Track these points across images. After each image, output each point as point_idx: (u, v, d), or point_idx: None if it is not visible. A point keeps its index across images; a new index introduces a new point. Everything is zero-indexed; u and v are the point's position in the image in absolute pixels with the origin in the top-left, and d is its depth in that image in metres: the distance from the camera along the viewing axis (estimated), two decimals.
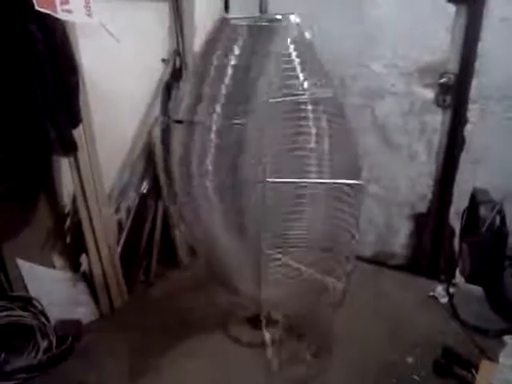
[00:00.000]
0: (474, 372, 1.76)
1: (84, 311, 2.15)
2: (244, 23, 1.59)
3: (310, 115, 1.74)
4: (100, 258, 2.17)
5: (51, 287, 2.05)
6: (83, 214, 2.09)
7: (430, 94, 2.37)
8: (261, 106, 1.61)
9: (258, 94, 1.61)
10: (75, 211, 2.11)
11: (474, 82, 2.24)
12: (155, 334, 2.11)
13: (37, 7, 1.47)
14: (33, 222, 1.97)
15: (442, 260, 2.57)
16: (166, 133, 2.32)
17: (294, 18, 1.61)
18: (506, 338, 2.01)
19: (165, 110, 2.51)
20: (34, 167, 1.84)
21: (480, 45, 2.17)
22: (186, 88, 1.81)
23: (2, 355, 1.81)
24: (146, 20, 2.34)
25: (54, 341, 1.93)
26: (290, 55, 1.63)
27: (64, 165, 2.03)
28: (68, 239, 2.16)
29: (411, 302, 2.39)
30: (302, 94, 1.70)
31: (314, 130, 1.76)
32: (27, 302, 1.93)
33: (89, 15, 1.66)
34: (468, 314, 2.22)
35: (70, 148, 1.81)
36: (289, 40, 1.61)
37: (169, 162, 1.85)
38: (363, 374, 1.90)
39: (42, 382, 1.81)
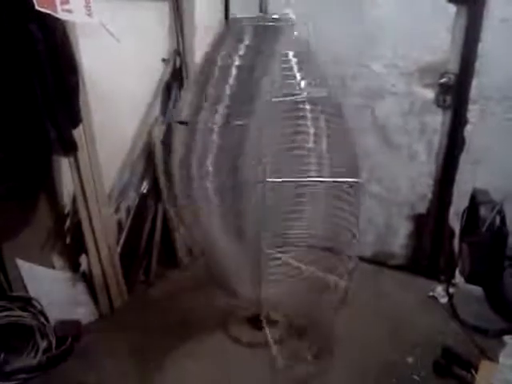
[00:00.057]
0: (473, 372, 1.76)
1: (84, 311, 2.15)
2: (250, 23, 1.58)
3: (308, 115, 1.75)
4: (100, 258, 2.16)
5: (51, 287, 2.05)
6: (83, 214, 2.08)
7: (430, 94, 2.38)
8: (263, 106, 1.61)
9: (262, 94, 1.61)
10: (75, 211, 2.11)
11: (475, 83, 2.24)
12: (155, 334, 2.10)
13: (37, 7, 1.46)
14: (33, 222, 1.97)
15: (442, 260, 2.57)
16: (167, 134, 2.33)
17: (289, 18, 1.61)
18: (506, 337, 2.01)
19: (165, 109, 2.51)
20: (34, 167, 1.83)
21: (480, 45, 2.18)
22: (189, 88, 1.80)
23: (2, 355, 1.81)
24: (146, 20, 2.34)
25: (54, 341, 1.92)
26: (287, 55, 1.63)
27: (64, 165, 2.02)
28: (68, 239, 2.15)
29: (411, 302, 2.39)
30: (300, 94, 1.72)
31: (312, 130, 1.78)
32: (27, 303, 1.92)
33: (89, 15, 1.66)
34: (468, 314, 2.22)
35: (70, 148, 1.81)
36: (285, 40, 1.61)
37: (169, 163, 1.85)
38: (363, 373, 1.90)
39: (41, 383, 1.81)
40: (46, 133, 1.65)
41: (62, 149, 1.76)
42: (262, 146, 1.66)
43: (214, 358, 1.98)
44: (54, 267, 2.09)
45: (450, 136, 2.39)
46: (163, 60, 2.49)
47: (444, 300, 2.39)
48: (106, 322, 2.19)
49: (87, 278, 2.18)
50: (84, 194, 2.06)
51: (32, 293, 1.97)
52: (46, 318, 1.94)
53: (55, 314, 1.99)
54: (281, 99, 1.66)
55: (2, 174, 1.66)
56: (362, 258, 2.60)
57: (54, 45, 1.59)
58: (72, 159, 1.98)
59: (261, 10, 1.65)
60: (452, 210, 2.48)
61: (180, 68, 2.53)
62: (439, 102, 2.36)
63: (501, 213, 2.11)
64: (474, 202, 2.22)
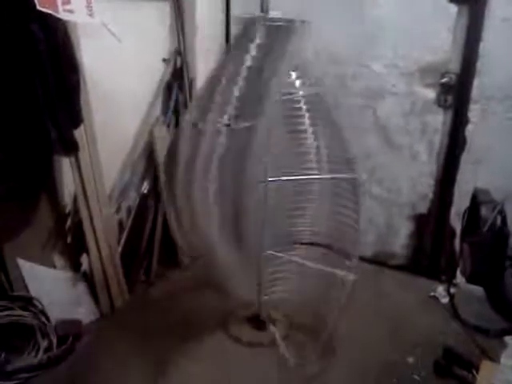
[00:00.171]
0: (474, 372, 1.76)
1: (84, 311, 2.15)
2: (261, 23, 1.58)
3: (305, 113, 1.77)
4: (101, 257, 2.16)
5: (52, 287, 2.05)
6: (84, 213, 2.08)
7: (431, 94, 2.37)
8: (272, 107, 1.61)
9: (271, 95, 1.61)
10: (76, 211, 2.11)
11: (476, 82, 2.24)
12: (156, 333, 2.10)
13: (38, 7, 1.46)
14: (34, 222, 1.97)
15: (443, 260, 2.57)
16: (173, 137, 2.34)
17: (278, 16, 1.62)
18: (507, 338, 2.01)
19: (166, 109, 2.52)
20: (35, 167, 1.83)
21: (481, 45, 2.17)
22: (201, 91, 1.80)
23: (3, 355, 1.80)
24: (147, 20, 2.34)
25: (55, 341, 1.92)
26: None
27: (65, 165, 2.02)
28: (69, 239, 2.16)
29: (412, 302, 2.39)
30: (296, 93, 1.73)
31: (310, 128, 1.79)
32: (28, 302, 1.93)
33: (90, 15, 1.65)
34: (469, 314, 2.22)
35: (71, 148, 1.81)
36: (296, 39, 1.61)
37: (171, 164, 1.84)
38: (364, 373, 1.90)
39: (42, 382, 1.81)
40: (47, 133, 1.65)
41: (63, 149, 1.75)
42: (269, 147, 1.67)
43: (215, 358, 1.98)
44: (55, 267, 2.09)
45: (451, 136, 2.39)
46: (164, 60, 2.49)
47: (445, 300, 2.38)
48: (106, 322, 2.19)
49: (88, 278, 2.19)
50: (85, 194, 2.06)
51: (33, 292, 1.97)
52: (47, 318, 1.94)
53: (56, 313, 1.99)
54: (286, 98, 1.68)
55: (2, 175, 1.66)
56: (362, 258, 2.60)
57: (56, 45, 1.59)
58: (73, 159, 1.98)
59: (262, 10, 1.64)
60: (453, 209, 2.47)
61: (181, 68, 2.53)
62: (440, 102, 2.36)
63: (502, 213, 2.11)
64: (475, 201, 2.22)
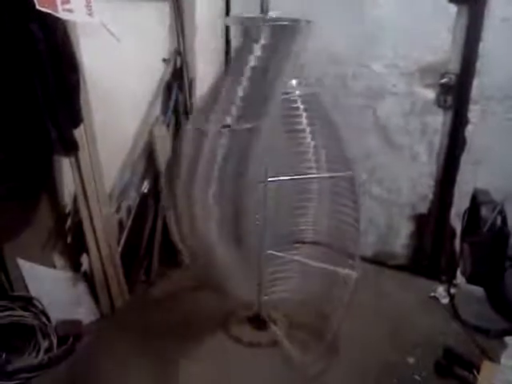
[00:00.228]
0: (475, 373, 1.76)
1: (85, 311, 2.15)
2: (267, 23, 1.58)
3: (303, 113, 1.78)
4: (101, 257, 2.16)
5: (52, 287, 2.05)
6: (84, 213, 2.08)
7: (431, 95, 2.37)
8: (276, 108, 1.61)
9: (275, 96, 1.61)
10: (76, 211, 2.11)
11: (476, 83, 2.24)
12: (156, 333, 2.10)
13: (38, 7, 1.46)
14: (34, 222, 1.97)
15: (443, 260, 2.57)
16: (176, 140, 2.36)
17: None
18: (508, 338, 2.01)
19: (166, 109, 2.52)
20: (35, 167, 1.83)
21: (481, 45, 2.17)
22: (205, 95, 1.80)
23: (3, 355, 1.80)
24: (147, 19, 2.34)
25: (55, 341, 1.92)
26: None
27: (65, 165, 2.02)
28: (69, 239, 2.16)
29: (412, 302, 2.39)
30: (292, 92, 1.73)
31: (307, 127, 1.79)
32: (28, 302, 1.93)
33: (90, 15, 1.65)
34: (469, 314, 2.22)
35: (71, 148, 1.81)
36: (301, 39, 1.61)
37: (173, 167, 1.84)
38: (364, 374, 1.90)
39: (42, 382, 1.81)
40: (47, 133, 1.65)
41: (63, 149, 1.75)
42: (269, 147, 1.67)
43: (215, 358, 1.98)
44: (55, 267, 2.09)
45: (450, 136, 2.38)
46: (164, 60, 2.49)
47: (445, 300, 2.38)
48: (107, 322, 2.19)
49: (88, 278, 2.19)
50: (85, 194, 2.06)
51: (33, 292, 1.97)
52: (48, 318, 1.94)
53: (56, 313, 1.99)
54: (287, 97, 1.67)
55: (2, 175, 1.66)
56: (363, 258, 2.59)
57: (55, 44, 1.59)
58: (73, 159, 1.98)
59: (262, 10, 1.64)
60: (453, 210, 2.47)
61: (181, 68, 2.53)
62: (440, 103, 2.36)
63: (502, 213, 2.11)
64: (475, 202, 2.22)
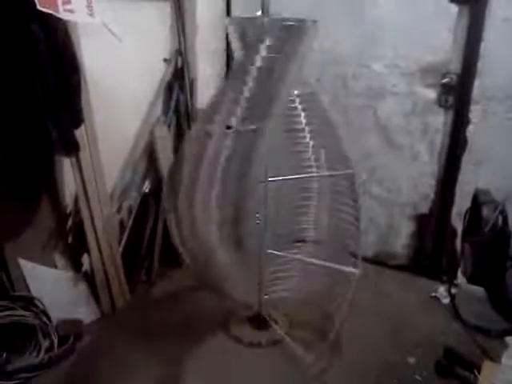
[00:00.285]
0: (476, 373, 1.76)
1: (85, 311, 2.15)
2: (273, 23, 1.58)
3: (301, 112, 1.79)
4: (102, 257, 2.17)
5: (53, 287, 2.05)
6: (85, 213, 2.09)
7: (432, 95, 2.37)
8: (281, 109, 1.61)
9: (281, 97, 1.61)
10: (77, 211, 2.12)
11: (477, 83, 2.23)
12: (157, 333, 2.10)
13: (39, 7, 1.47)
14: (35, 222, 1.97)
15: (444, 260, 2.57)
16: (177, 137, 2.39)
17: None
18: (509, 338, 2.01)
19: (167, 109, 2.52)
20: (36, 167, 1.84)
21: (482, 45, 2.17)
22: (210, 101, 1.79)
23: (4, 355, 1.81)
24: (148, 20, 2.34)
25: (56, 340, 1.92)
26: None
27: (66, 165, 2.03)
28: (70, 239, 2.16)
29: (413, 302, 2.38)
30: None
31: (306, 127, 1.79)
32: (29, 302, 1.93)
33: (91, 15, 1.66)
34: (470, 314, 2.22)
35: (72, 148, 1.81)
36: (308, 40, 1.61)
37: (175, 172, 1.84)
38: (364, 374, 1.89)
39: (43, 382, 1.81)
40: (48, 133, 1.65)
41: (64, 149, 1.76)
42: (271, 147, 1.67)
43: (215, 358, 1.98)
44: (56, 267, 2.10)
45: (452, 136, 2.38)
46: (165, 60, 2.49)
47: (446, 300, 2.38)
48: (107, 322, 2.19)
49: (89, 278, 2.19)
50: (86, 194, 2.06)
51: (34, 292, 1.97)
52: (48, 318, 1.94)
53: (57, 313, 1.99)
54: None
55: (3, 175, 1.66)
56: (363, 258, 2.58)
57: (56, 45, 1.60)
58: (74, 159, 1.98)
59: (262, 10, 1.64)
60: (454, 210, 2.47)
61: (182, 68, 2.53)
62: (441, 103, 2.36)
63: (503, 213, 2.11)
64: (477, 202, 2.22)
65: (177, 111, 2.57)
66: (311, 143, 1.85)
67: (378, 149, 2.58)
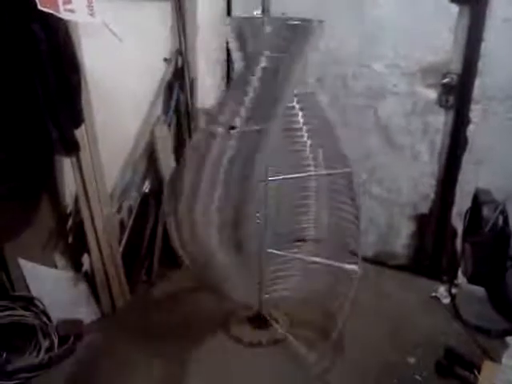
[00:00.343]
0: (476, 373, 1.76)
1: (86, 311, 2.15)
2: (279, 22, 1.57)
3: (299, 112, 1.78)
4: (102, 257, 2.16)
5: (53, 287, 2.05)
6: (85, 213, 2.08)
7: (432, 95, 2.37)
8: (284, 109, 1.60)
9: (285, 97, 1.60)
10: (77, 211, 2.11)
11: (477, 83, 2.23)
12: (157, 333, 2.11)
13: (39, 7, 1.47)
14: (35, 222, 1.97)
15: (444, 260, 2.57)
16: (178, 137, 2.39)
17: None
18: (509, 338, 2.00)
19: (167, 109, 2.52)
20: (36, 167, 1.84)
21: (483, 45, 2.17)
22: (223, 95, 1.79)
23: (4, 355, 1.81)
24: (149, 19, 2.34)
25: (56, 340, 1.92)
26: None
27: (66, 165, 2.02)
28: (70, 239, 2.16)
29: (413, 302, 2.38)
30: None
31: (304, 127, 1.79)
32: (29, 302, 1.93)
33: (91, 15, 1.66)
34: (470, 314, 2.22)
35: (72, 148, 1.81)
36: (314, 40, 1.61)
37: (178, 173, 1.84)
38: (364, 374, 1.89)
39: (43, 382, 1.81)
40: (48, 133, 1.65)
41: (64, 149, 1.76)
42: (272, 147, 1.67)
43: (215, 358, 1.98)
44: (56, 267, 2.09)
45: (452, 136, 2.38)
46: (165, 59, 2.49)
47: (446, 300, 2.38)
48: (107, 322, 2.19)
49: (89, 278, 2.19)
50: (86, 194, 2.06)
51: (34, 292, 1.97)
52: (49, 318, 1.94)
53: (57, 313, 1.99)
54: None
55: (3, 175, 1.66)
56: (363, 258, 2.58)
57: (57, 44, 1.59)
58: (74, 159, 1.98)
59: (263, 10, 1.64)
60: (454, 210, 2.47)
61: (182, 67, 2.53)
62: (442, 102, 2.36)
63: (503, 213, 2.11)
64: (477, 202, 2.21)
65: (177, 111, 2.57)
66: (309, 142, 1.85)
67: (379, 149, 2.58)
